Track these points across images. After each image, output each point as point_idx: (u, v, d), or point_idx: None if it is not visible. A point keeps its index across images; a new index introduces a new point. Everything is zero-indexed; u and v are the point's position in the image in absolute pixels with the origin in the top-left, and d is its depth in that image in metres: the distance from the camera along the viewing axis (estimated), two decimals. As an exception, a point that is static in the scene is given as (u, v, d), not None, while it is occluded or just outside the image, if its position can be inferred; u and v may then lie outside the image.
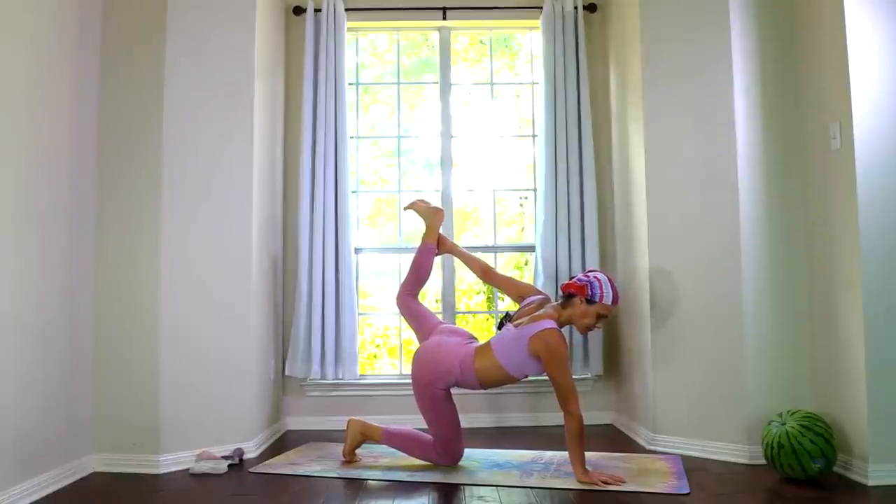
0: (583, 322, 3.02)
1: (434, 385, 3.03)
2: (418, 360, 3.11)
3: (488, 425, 4.06)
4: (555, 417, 3.96)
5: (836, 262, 3.01)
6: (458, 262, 4.38)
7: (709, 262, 3.31)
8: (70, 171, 2.98)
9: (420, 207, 3.47)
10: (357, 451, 3.24)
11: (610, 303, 3.00)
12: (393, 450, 3.33)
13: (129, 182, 3.19)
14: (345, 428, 3.26)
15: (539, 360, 2.91)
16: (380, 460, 3.23)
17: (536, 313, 3.02)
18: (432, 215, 3.44)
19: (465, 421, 4.11)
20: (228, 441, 3.31)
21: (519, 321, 3.04)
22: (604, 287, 2.99)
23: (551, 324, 2.93)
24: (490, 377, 3.03)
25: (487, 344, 3.05)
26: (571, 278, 3.11)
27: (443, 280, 4.29)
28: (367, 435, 3.19)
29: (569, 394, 2.83)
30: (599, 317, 3.02)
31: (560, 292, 3.12)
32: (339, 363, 4.02)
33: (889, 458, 2.75)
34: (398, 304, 3.43)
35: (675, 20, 3.48)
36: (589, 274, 3.06)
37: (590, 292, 2.98)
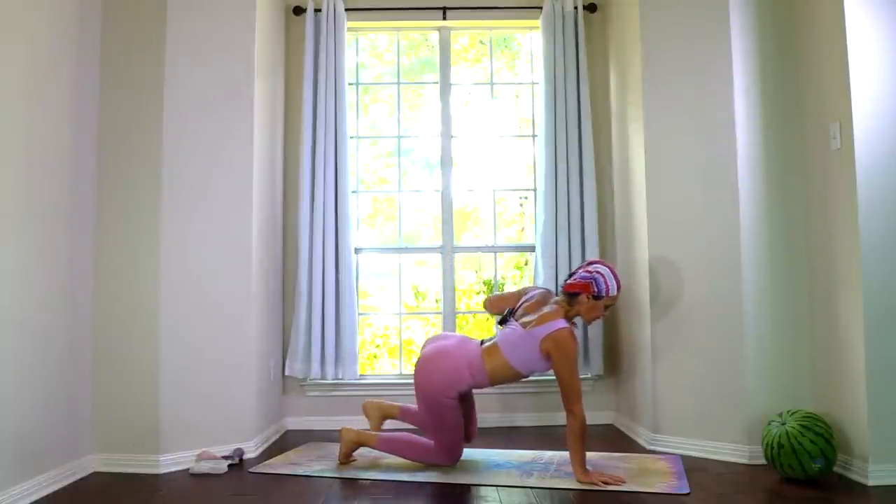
0: (591, 315, 3.03)
1: (445, 394, 2.98)
2: (424, 371, 3.03)
3: (489, 425, 4.06)
4: (556, 417, 3.97)
5: (836, 262, 3.01)
6: (457, 263, 4.40)
7: (709, 262, 3.31)
8: (70, 172, 2.98)
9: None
10: (355, 452, 3.24)
11: (615, 293, 3.01)
12: None
13: (129, 182, 3.19)
14: (339, 435, 3.25)
15: (549, 358, 2.92)
16: (380, 461, 3.23)
17: (544, 311, 2.99)
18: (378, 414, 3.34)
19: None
20: (228, 441, 3.31)
21: (524, 320, 3.02)
22: (608, 280, 2.99)
23: (563, 323, 2.93)
24: (501, 376, 3.03)
25: (495, 344, 3.03)
26: (572, 274, 3.08)
27: (443, 280, 4.29)
28: (362, 442, 3.19)
29: (574, 394, 2.84)
30: (607, 307, 3.04)
31: (562, 291, 3.09)
32: (339, 363, 4.02)
33: (889, 458, 2.75)
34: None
35: (675, 20, 3.48)
36: (590, 269, 3.03)
37: (595, 289, 2.98)
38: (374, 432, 3.22)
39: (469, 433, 3.26)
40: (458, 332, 3.42)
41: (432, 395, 2.99)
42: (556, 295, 3.17)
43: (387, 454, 3.25)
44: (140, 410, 3.11)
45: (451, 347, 3.08)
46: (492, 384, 3.07)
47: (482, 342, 3.12)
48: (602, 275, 2.99)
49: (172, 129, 3.23)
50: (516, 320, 3.05)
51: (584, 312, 3.01)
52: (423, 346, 3.21)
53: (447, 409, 3.00)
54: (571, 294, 3.01)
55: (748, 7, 3.32)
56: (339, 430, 3.25)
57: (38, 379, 2.73)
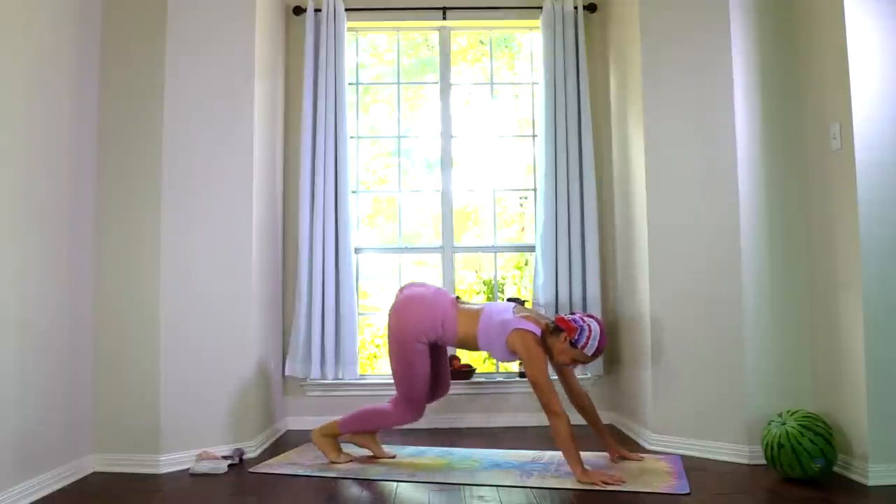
0: (560, 358, 3.02)
1: (418, 339, 3.04)
2: (398, 314, 3.08)
3: (488, 425, 4.06)
4: (555, 417, 3.97)
5: (836, 262, 3.01)
6: (457, 263, 4.41)
7: (709, 262, 3.31)
8: (70, 172, 2.98)
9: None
10: (344, 450, 3.26)
11: (589, 354, 2.98)
12: (393, 449, 3.39)
13: (129, 182, 3.19)
14: (314, 445, 3.26)
15: (514, 354, 3.00)
16: (379, 460, 3.24)
17: (531, 314, 3.07)
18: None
19: (465, 421, 4.12)
20: (228, 441, 3.31)
21: (516, 310, 3.07)
22: (591, 338, 2.96)
23: (536, 329, 2.97)
24: (465, 344, 3.12)
25: (477, 314, 3.07)
26: (573, 313, 3.07)
27: (443, 280, 4.28)
28: (330, 434, 3.21)
29: (551, 395, 2.85)
30: (575, 360, 3.01)
31: (553, 321, 3.07)
32: (339, 363, 4.02)
33: (889, 458, 2.76)
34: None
35: (675, 20, 3.48)
36: (586, 318, 3.01)
37: (576, 337, 2.96)
38: (335, 419, 3.24)
39: (440, 389, 3.32)
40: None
41: (404, 338, 3.04)
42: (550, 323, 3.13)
43: (373, 455, 3.27)
44: (140, 410, 3.11)
45: (428, 296, 3.12)
46: (456, 346, 3.14)
47: (457, 298, 3.19)
48: (590, 329, 2.97)
49: (172, 129, 3.23)
50: (517, 313, 3.07)
51: (557, 351, 3.01)
52: (399, 293, 3.24)
53: (417, 354, 3.05)
54: (558, 328, 3.02)
55: (748, 7, 3.32)
56: (312, 440, 3.24)
57: (38, 379, 2.73)
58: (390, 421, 3.16)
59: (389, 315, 3.13)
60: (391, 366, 3.13)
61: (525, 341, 2.93)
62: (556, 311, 4.00)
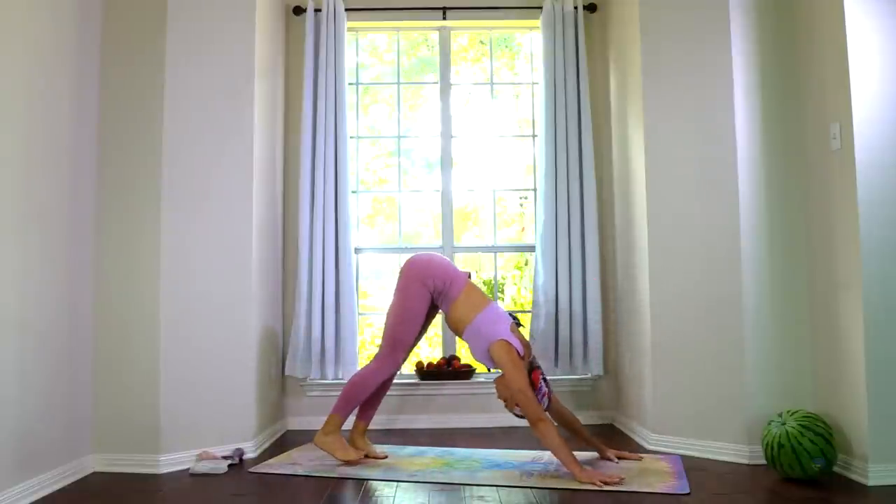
0: (507, 389, 3.02)
1: (424, 283, 3.17)
2: (415, 261, 3.26)
3: (488, 425, 4.06)
4: (555, 417, 3.96)
5: (836, 262, 3.01)
6: (457, 262, 4.40)
7: (709, 262, 3.31)
8: (70, 172, 2.98)
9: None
10: (350, 444, 3.24)
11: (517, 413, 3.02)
12: (393, 450, 3.40)
13: (129, 182, 3.19)
14: (321, 450, 3.21)
15: (490, 360, 3.08)
16: (379, 461, 3.24)
17: (518, 336, 3.09)
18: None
19: (465, 421, 4.12)
20: (228, 441, 3.31)
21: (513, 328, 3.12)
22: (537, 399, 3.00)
23: (520, 348, 3.03)
24: (454, 324, 3.19)
25: (479, 307, 3.13)
26: (546, 382, 3.04)
27: (443, 280, 4.28)
28: (332, 430, 3.16)
29: (535, 402, 2.90)
30: (507, 401, 3.03)
31: (531, 364, 3.07)
32: (339, 363, 4.02)
33: (889, 458, 2.75)
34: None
35: (675, 20, 3.48)
36: (546, 396, 3.00)
37: (535, 387, 2.99)
38: (329, 414, 3.21)
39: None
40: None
41: (412, 277, 3.19)
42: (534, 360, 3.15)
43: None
44: (140, 410, 3.11)
45: (445, 260, 3.33)
46: (448, 315, 3.20)
47: (469, 276, 3.29)
48: (539, 404, 2.95)
49: (173, 129, 3.23)
50: (511, 330, 3.10)
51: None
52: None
53: (418, 297, 3.17)
54: (532, 372, 3.02)
55: (748, 7, 3.32)
56: (316, 445, 3.20)
57: (38, 379, 2.73)
58: (377, 377, 3.22)
59: (403, 266, 3.28)
60: (388, 312, 3.24)
61: (510, 354, 3.00)
62: (556, 316, 4.00)
